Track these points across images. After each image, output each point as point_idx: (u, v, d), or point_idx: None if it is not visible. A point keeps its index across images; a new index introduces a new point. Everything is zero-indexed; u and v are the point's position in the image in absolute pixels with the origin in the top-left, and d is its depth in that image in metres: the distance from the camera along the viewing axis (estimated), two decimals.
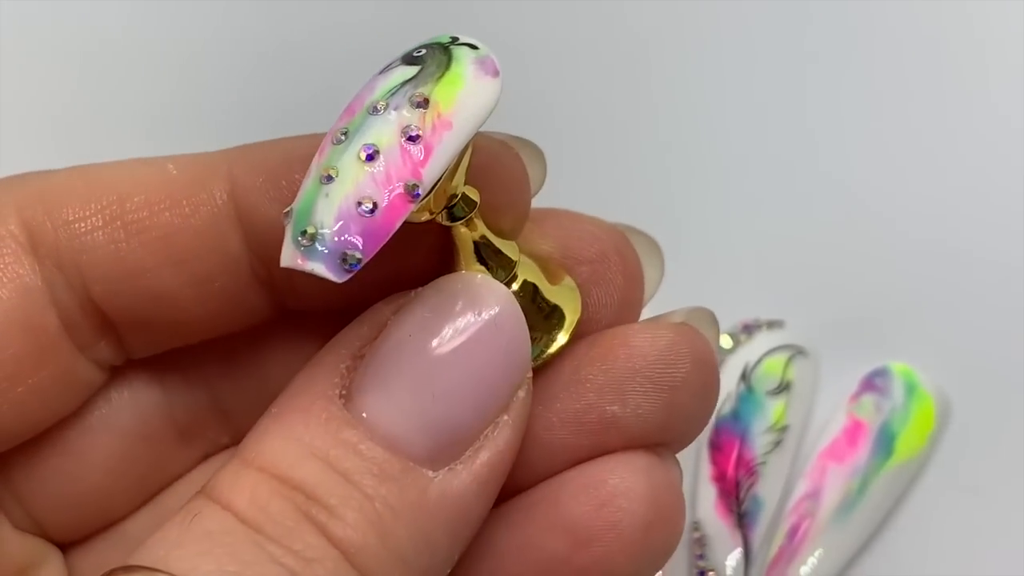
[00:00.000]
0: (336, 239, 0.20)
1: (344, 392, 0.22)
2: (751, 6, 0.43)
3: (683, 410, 0.24)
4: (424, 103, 0.21)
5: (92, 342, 0.24)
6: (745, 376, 0.38)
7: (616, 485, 0.23)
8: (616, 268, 0.24)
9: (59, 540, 0.26)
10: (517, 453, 0.23)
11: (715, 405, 0.24)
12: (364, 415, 0.22)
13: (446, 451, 0.22)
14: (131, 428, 0.26)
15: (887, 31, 0.42)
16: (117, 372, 0.25)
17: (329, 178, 0.20)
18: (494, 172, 0.22)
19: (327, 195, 0.20)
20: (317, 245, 0.20)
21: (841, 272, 0.40)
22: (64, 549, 0.27)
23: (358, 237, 0.20)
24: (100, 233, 0.23)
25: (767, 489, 0.36)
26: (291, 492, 0.21)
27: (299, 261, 0.20)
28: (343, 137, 0.21)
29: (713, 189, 0.41)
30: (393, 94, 0.21)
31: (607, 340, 0.24)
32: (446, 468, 0.22)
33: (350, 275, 0.20)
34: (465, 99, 0.21)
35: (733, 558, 0.36)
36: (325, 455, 0.21)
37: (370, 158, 0.20)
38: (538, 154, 0.26)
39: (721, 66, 0.42)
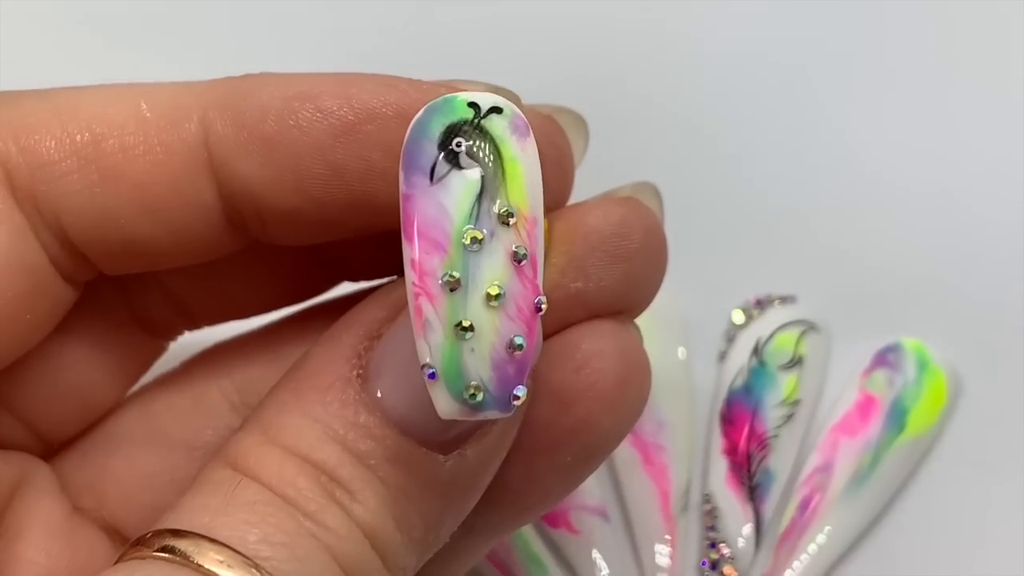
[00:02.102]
0: (500, 387, 0.21)
1: (361, 372, 0.23)
2: None
3: (638, 277, 0.25)
4: (510, 216, 0.21)
5: (73, 272, 0.25)
6: (757, 350, 0.38)
7: (589, 349, 0.24)
8: (551, 160, 0.25)
9: (51, 439, 0.27)
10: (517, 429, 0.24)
11: (665, 269, 0.26)
12: (379, 395, 0.22)
13: (457, 436, 0.23)
14: (98, 323, 0.27)
15: (904, 9, 0.42)
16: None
17: (464, 330, 0.21)
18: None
19: (472, 350, 0.21)
20: (484, 398, 0.21)
21: (853, 248, 0.40)
22: (55, 459, 0.28)
23: (517, 375, 0.21)
24: (75, 177, 0.24)
25: (779, 462, 0.36)
26: (314, 471, 0.22)
27: (468, 413, 0.21)
28: (453, 281, 0.21)
29: (726, 165, 0.41)
30: (477, 218, 0.21)
31: (563, 223, 0.25)
32: (456, 452, 0.23)
33: (518, 405, 0.21)
34: (530, 183, 0.21)
35: (744, 531, 0.36)
36: (343, 438, 0.22)
37: (497, 298, 0.21)
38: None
39: (734, 43, 0.43)
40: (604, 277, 0.24)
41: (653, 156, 0.41)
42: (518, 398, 0.21)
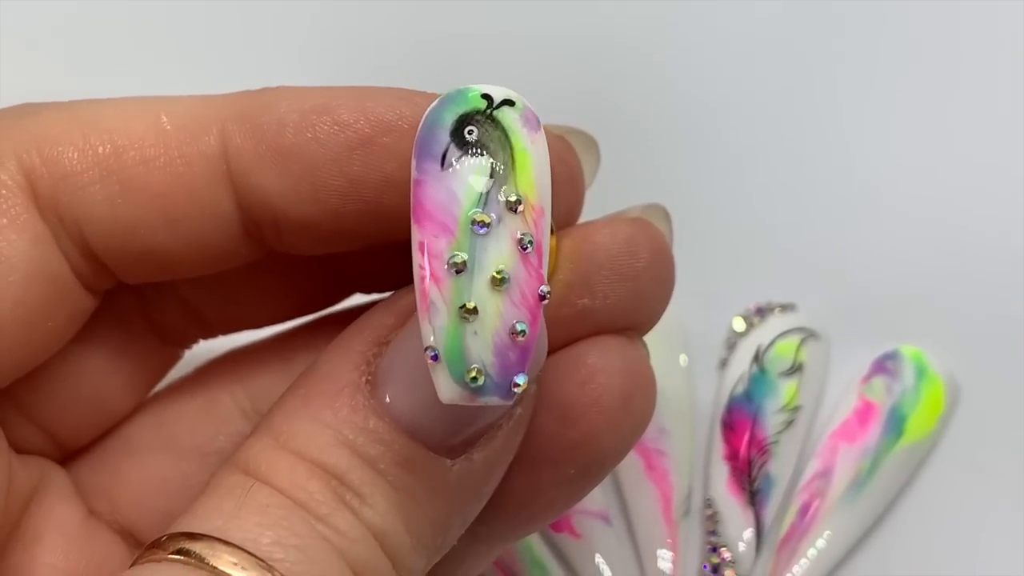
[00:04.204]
0: (502, 373, 0.21)
1: (370, 379, 0.23)
2: None
3: (645, 295, 0.25)
4: (518, 203, 0.21)
5: (93, 281, 0.25)
6: (758, 357, 0.38)
7: (594, 364, 0.25)
8: (562, 178, 0.25)
9: (68, 445, 0.28)
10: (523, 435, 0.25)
11: (672, 289, 0.26)
12: (388, 400, 0.23)
13: (464, 441, 0.23)
14: (116, 332, 0.28)
15: (900, 19, 0.43)
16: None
17: (468, 312, 0.21)
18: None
19: (475, 332, 0.21)
20: (485, 382, 0.21)
21: (853, 256, 0.40)
22: (70, 463, 0.28)
23: (519, 362, 0.21)
24: (97, 188, 0.24)
25: (779, 468, 0.37)
26: (325, 475, 0.22)
27: (468, 398, 0.21)
28: (459, 263, 0.21)
29: (727, 173, 0.42)
30: (485, 203, 0.21)
31: (571, 241, 0.25)
32: (463, 456, 0.23)
33: (519, 393, 0.21)
34: (538, 175, 0.22)
35: (745, 535, 0.36)
36: (353, 443, 0.22)
37: (502, 282, 0.21)
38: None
39: (735, 52, 0.43)
40: (611, 294, 0.25)
41: (655, 165, 0.42)
42: (519, 385, 0.21)
